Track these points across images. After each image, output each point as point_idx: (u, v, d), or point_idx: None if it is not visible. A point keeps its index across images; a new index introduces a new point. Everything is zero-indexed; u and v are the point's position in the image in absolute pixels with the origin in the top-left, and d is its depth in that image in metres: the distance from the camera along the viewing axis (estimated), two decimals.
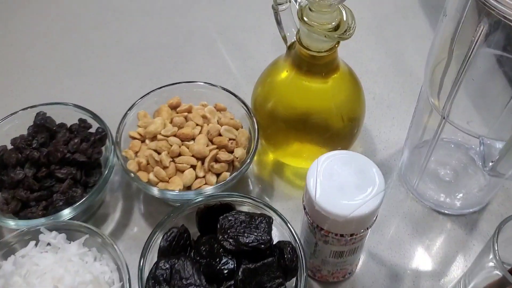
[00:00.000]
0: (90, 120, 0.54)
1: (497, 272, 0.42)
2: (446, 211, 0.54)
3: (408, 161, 0.56)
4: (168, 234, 0.45)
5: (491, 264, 0.43)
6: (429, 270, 0.50)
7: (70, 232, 0.46)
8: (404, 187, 0.56)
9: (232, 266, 0.42)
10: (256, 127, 0.52)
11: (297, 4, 0.45)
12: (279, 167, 0.57)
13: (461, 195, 0.54)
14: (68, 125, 0.54)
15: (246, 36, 0.72)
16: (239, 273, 0.42)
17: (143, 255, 0.43)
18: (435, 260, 0.51)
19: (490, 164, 0.38)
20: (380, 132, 0.61)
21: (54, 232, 0.46)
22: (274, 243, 0.44)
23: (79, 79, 0.67)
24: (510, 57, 0.38)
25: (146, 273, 0.43)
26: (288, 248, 0.43)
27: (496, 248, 0.42)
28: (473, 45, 0.37)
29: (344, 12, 0.44)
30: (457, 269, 0.50)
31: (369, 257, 0.51)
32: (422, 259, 0.51)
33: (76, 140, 0.52)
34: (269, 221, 0.44)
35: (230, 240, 0.42)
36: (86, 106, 0.55)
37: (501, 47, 0.37)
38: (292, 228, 0.44)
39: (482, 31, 0.36)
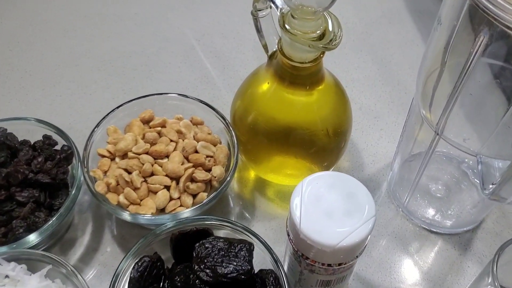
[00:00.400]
0: (55, 137, 0.50)
1: None
2: (438, 230, 0.50)
3: (398, 176, 0.52)
4: (140, 263, 0.41)
5: None
6: None
7: (31, 262, 0.42)
8: (393, 204, 0.53)
9: None
10: (235, 142, 0.48)
11: (279, 10, 0.42)
12: (262, 185, 0.54)
13: (454, 212, 0.51)
14: (32, 142, 0.50)
15: (226, 43, 0.68)
16: None
17: (112, 286, 0.40)
18: (427, 284, 0.47)
19: (491, 186, 0.35)
20: (368, 145, 0.57)
21: (12, 263, 0.41)
22: (255, 271, 0.41)
23: (46, 91, 0.62)
24: (511, 69, 0.35)
25: None
26: (271, 278, 0.40)
27: (495, 274, 0.39)
28: (472, 57, 0.34)
29: (329, 20, 0.41)
30: None
31: (357, 282, 0.47)
32: (413, 283, 0.48)
33: (39, 159, 0.48)
34: (250, 248, 0.40)
35: (207, 271, 0.39)
36: (54, 120, 0.50)
37: (502, 58, 0.34)
38: (275, 255, 0.41)
39: (481, 42, 0.33)
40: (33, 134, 0.50)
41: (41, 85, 0.63)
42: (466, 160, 0.53)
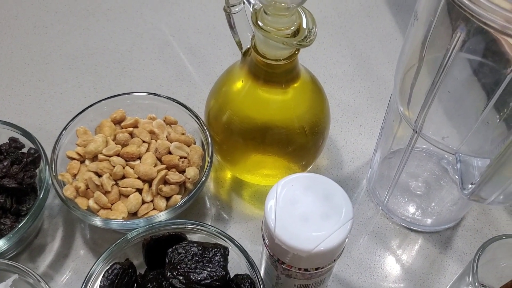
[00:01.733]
0: (22, 139, 0.48)
1: None
2: (418, 228, 0.50)
3: (378, 173, 0.51)
4: (110, 271, 0.39)
5: None
6: None
7: None
8: (373, 202, 0.52)
9: None
10: (210, 142, 0.46)
11: (251, 6, 0.40)
12: (239, 185, 0.52)
13: (434, 209, 0.50)
14: None
15: (201, 38, 0.66)
16: None
17: None
18: (408, 283, 0.47)
19: (470, 186, 0.34)
20: (347, 142, 0.56)
21: None
22: (230, 276, 0.39)
23: (14, 90, 0.60)
24: (489, 64, 0.34)
25: None
26: (247, 284, 0.39)
27: (475, 274, 0.38)
28: (449, 53, 0.33)
29: (303, 16, 0.39)
30: None
31: (337, 283, 0.46)
32: (394, 282, 0.47)
33: (5, 163, 0.46)
34: (225, 253, 0.39)
35: (180, 278, 0.37)
36: (23, 121, 0.48)
37: (480, 54, 0.33)
38: (251, 259, 0.39)
39: (459, 38, 0.32)
40: None
41: (9, 84, 0.60)
42: (445, 156, 0.52)
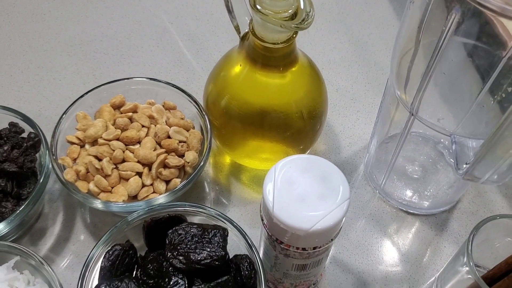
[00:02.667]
0: (22, 124, 0.48)
1: (471, 276, 0.39)
2: (415, 211, 0.50)
3: (375, 158, 0.52)
4: (111, 252, 0.39)
5: (464, 268, 0.41)
6: (399, 275, 0.47)
7: None
8: (370, 186, 0.52)
9: (183, 287, 0.38)
10: (208, 127, 0.47)
11: None
12: (237, 169, 0.53)
13: (430, 193, 0.51)
14: None
15: (199, 25, 0.66)
16: None
17: (82, 277, 0.38)
18: (405, 265, 0.47)
19: (465, 166, 0.35)
20: (344, 128, 0.57)
21: None
22: (230, 257, 0.40)
23: (13, 77, 0.60)
24: (484, 48, 0.35)
25: None
26: (246, 264, 0.39)
27: (470, 254, 0.39)
28: (444, 35, 0.34)
29: None
30: (429, 273, 0.47)
31: (334, 265, 0.47)
32: (391, 264, 0.47)
33: (5, 147, 0.46)
34: (224, 234, 0.39)
35: (180, 258, 0.38)
36: (22, 107, 0.49)
37: (474, 36, 0.33)
38: (250, 240, 0.40)
39: (453, 19, 0.32)
40: None
41: (8, 71, 0.60)
42: (442, 140, 0.53)
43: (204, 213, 0.42)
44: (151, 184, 0.45)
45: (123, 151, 0.45)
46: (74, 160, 0.46)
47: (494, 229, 0.41)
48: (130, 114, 0.48)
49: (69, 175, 0.44)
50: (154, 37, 0.65)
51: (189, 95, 0.49)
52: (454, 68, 0.37)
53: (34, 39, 0.64)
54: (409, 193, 0.51)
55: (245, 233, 0.40)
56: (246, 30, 0.44)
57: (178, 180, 0.45)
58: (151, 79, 0.50)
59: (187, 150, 0.46)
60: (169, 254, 0.38)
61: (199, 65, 0.62)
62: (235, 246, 0.41)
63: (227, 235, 0.40)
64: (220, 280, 0.37)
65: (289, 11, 0.39)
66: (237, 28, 0.45)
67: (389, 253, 0.48)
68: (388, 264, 0.48)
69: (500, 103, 0.37)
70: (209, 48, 0.64)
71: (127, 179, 0.44)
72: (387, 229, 0.50)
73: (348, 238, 0.49)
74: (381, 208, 0.51)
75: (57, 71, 0.61)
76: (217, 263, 0.38)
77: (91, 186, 0.44)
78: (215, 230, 0.39)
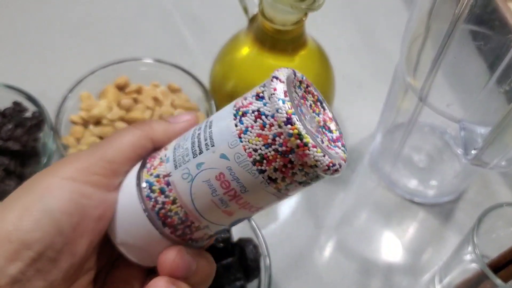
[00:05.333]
0: (26, 103, 0.48)
1: (475, 265, 0.39)
2: (420, 200, 0.50)
3: (381, 146, 0.52)
4: None
5: (469, 257, 0.40)
6: (402, 264, 0.47)
7: None
8: (375, 175, 0.52)
9: None
10: (214, 110, 0.46)
11: None
12: None
13: (436, 182, 0.51)
14: (2, 109, 0.48)
15: (205, 8, 0.66)
16: None
17: None
18: (408, 253, 0.47)
19: (473, 152, 0.35)
20: (351, 115, 0.56)
21: None
22: (234, 240, 0.40)
23: (18, 57, 0.60)
24: (493, 36, 0.35)
25: None
26: (250, 246, 0.39)
27: (475, 241, 0.39)
28: (456, 18, 0.33)
29: None
30: (432, 262, 0.47)
31: (338, 251, 0.47)
32: (394, 252, 0.47)
33: (9, 126, 0.46)
34: None
35: None
36: (26, 87, 0.48)
37: (485, 24, 0.33)
38: (254, 222, 0.40)
39: (466, 3, 0.32)
40: (2, 100, 0.48)
41: (13, 51, 0.60)
42: (448, 130, 0.52)
43: None
44: None
45: None
46: (78, 140, 0.45)
47: (499, 218, 0.41)
48: (135, 95, 0.47)
49: None
50: (159, 20, 0.64)
51: (194, 77, 0.49)
52: (463, 55, 0.37)
53: (39, 20, 0.63)
54: (414, 182, 0.51)
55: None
56: (255, 12, 0.44)
57: None
58: (156, 60, 0.50)
59: None
60: None
61: (204, 49, 0.61)
62: (240, 229, 0.41)
63: None
64: (224, 262, 0.37)
65: None
66: (245, 10, 0.45)
67: (393, 242, 0.48)
68: (392, 252, 0.47)
69: (508, 91, 0.37)
70: (214, 31, 0.63)
71: None
72: (391, 217, 0.49)
73: (351, 225, 0.49)
74: (386, 197, 0.51)
75: (62, 52, 0.60)
76: (221, 244, 0.37)
77: None
78: None
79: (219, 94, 0.47)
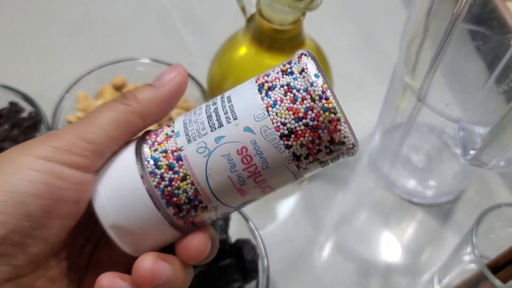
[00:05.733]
0: (22, 103, 0.47)
1: (474, 266, 0.39)
2: (419, 201, 0.50)
3: (379, 146, 0.51)
4: None
5: (467, 257, 0.40)
6: (401, 264, 0.46)
7: None
8: (374, 175, 0.52)
9: None
10: None
11: None
12: None
13: (434, 182, 0.50)
14: None
15: (204, 8, 0.66)
16: (193, 277, 0.37)
17: None
18: (407, 254, 0.47)
19: (472, 152, 0.34)
20: (350, 115, 0.55)
21: None
22: (232, 241, 0.40)
23: (14, 56, 0.59)
24: (492, 35, 0.34)
25: None
26: (248, 247, 0.39)
27: (474, 242, 0.39)
28: (455, 18, 0.33)
29: None
30: (431, 262, 0.47)
31: (336, 252, 0.47)
32: (393, 253, 0.47)
33: (5, 127, 0.45)
34: (226, 218, 0.39)
35: None
36: (22, 87, 0.48)
37: (483, 23, 0.33)
38: (252, 223, 0.39)
39: (464, 2, 0.32)
40: None
41: (9, 51, 0.60)
42: (446, 130, 0.52)
43: None
44: None
45: None
46: None
47: (498, 218, 0.41)
48: None
49: None
50: (156, 20, 0.64)
51: (192, 78, 0.48)
52: (462, 55, 0.37)
53: (36, 20, 0.63)
54: (413, 182, 0.50)
55: (247, 217, 0.40)
56: (253, 12, 0.44)
57: None
58: (154, 60, 0.49)
59: None
60: None
61: (202, 50, 0.61)
62: (237, 230, 0.41)
63: (229, 219, 0.39)
64: (222, 263, 0.37)
65: None
66: (243, 10, 0.44)
67: (392, 242, 0.48)
68: (391, 253, 0.47)
69: (506, 91, 0.37)
70: (213, 32, 0.63)
71: None
72: (390, 218, 0.49)
73: (350, 226, 0.48)
74: (385, 197, 0.50)
75: (59, 52, 0.60)
76: (218, 245, 0.37)
77: None
78: None
79: (217, 94, 0.47)
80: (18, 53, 0.60)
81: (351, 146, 0.22)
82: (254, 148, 0.22)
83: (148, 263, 0.22)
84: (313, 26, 0.64)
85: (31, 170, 0.22)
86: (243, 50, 0.44)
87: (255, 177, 0.22)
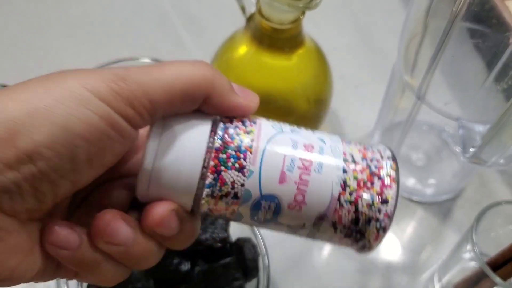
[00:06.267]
0: None
1: (474, 263, 0.39)
2: (419, 199, 0.50)
3: None
4: None
5: (468, 255, 0.40)
6: (401, 262, 0.47)
7: None
8: None
9: (186, 267, 0.38)
10: None
11: None
12: None
13: (434, 181, 0.51)
14: None
15: (203, 8, 0.66)
16: (194, 275, 0.37)
17: None
18: (407, 252, 0.47)
19: (471, 150, 0.34)
20: (349, 115, 0.56)
21: None
22: (233, 240, 0.40)
23: (13, 58, 0.59)
24: (491, 34, 0.34)
25: None
26: (249, 246, 0.39)
27: (474, 240, 0.39)
28: (453, 17, 0.33)
29: None
30: (431, 261, 0.47)
31: (337, 251, 0.47)
32: (393, 251, 0.47)
33: None
34: None
35: None
36: None
37: (483, 22, 0.33)
38: None
39: (463, 0, 0.32)
40: None
41: (8, 53, 0.60)
42: (446, 129, 0.52)
43: None
44: None
45: None
46: None
47: (497, 216, 0.41)
48: None
49: None
50: (156, 20, 0.64)
51: None
52: (461, 54, 0.37)
53: (34, 20, 0.63)
54: (412, 180, 0.51)
55: None
56: (252, 11, 0.44)
57: None
58: (154, 60, 0.50)
59: None
60: None
61: (202, 50, 0.61)
62: (238, 229, 0.41)
63: None
64: (223, 262, 0.37)
65: None
66: (243, 9, 0.45)
67: (392, 241, 0.48)
68: (391, 251, 0.47)
69: (506, 90, 0.37)
70: (212, 31, 0.63)
71: None
72: None
73: None
74: None
75: (57, 53, 0.60)
76: (219, 244, 0.37)
77: None
78: None
79: None
80: (18, 54, 0.60)
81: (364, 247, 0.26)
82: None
83: (108, 218, 0.22)
84: (312, 26, 0.64)
85: (89, 111, 0.20)
86: (243, 49, 0.44)
87: (299, 205, 0.24)
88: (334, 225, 0.24)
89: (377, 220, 0.24)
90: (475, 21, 0.35)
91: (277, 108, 0.45)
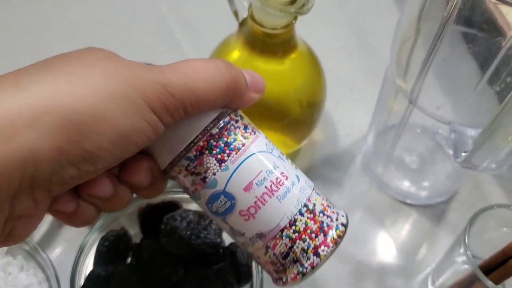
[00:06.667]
0: None
1: (467, 266, 0.39)
2: (412, 202, 0.50)
3: (373, 148, 0.52)
4: (105, 238, 0.39)
5: (461, 258, 0.40)
6: (396, 265, 0.47)
7: None
8: (367, 177, 0.52)
9: (179, 273, 0.38)
10: None
11: None
12: None
13: (428, 183, 0.51)
14: None
15: (198, 12, 0.66)
16: (187, 280, 0.37)
17: (76, 263, 0.38)
18: (401, 255, 0.47)
19: (463, 154, 0.35)
20: (343, 117, 0.56)
21: None
22: (226, 245, 0.40)
23: (10, 61, 0.59)
24: (483, 37, 0.35)
25: (81, 283, 0.38)
26: (242, 251, 0.39)
27: (467, 243, 0.39)
28: (445, 21, 0.33)
29: None
30: (426, 263, 0.47)
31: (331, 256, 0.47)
32: (387, 254, 0.47)
33: None
34: None
35: (176, 244, 0.37)
36: None
37: (474, 25, 0.33)
38: None
39: (454, 5, 0.32)
40: None
41: (4, 56, 0.60)
42: (440, 131, 0.53)
43: None
44: None
45: None
46: None
47: (490, 219, 0.41)
48: None
49: None
50: (152, 24, 0.64)
51: None
52: (454, 57, 0.37)
53: (32, 24, 0.63)
54: (406, 183, 0.51)
55: None
56: (245, 16, 0.44)
57: None
58: (149, 64, 0.49)
59: None
60: (164, 240, 0.38)
61: (197, 53, 0.61)
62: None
63: None
64: (216, 267, 0.37)
65: None
66: (235, 14, 0.45)
67: (386, 244, 0.48)
68: (385, 254, 0.47)
69: (498, 93, 0.37)
70: (207, 35, 0.63)
71: None
72: (384, 220, 0.49)
73: None
74: (378, 199, 0.51)
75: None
76: (212, 249, 0.37)
77: None
78: None
79: None
80: (16, 57, 0.60)
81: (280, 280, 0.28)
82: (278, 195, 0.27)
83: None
84: (306, 29, 0.64)
85: (145, 122, 0.24)
86: (236, 54, 0.44)
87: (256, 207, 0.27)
88: (267, 248, 0.27)
89: (302, 265, 0.27)
90: (467, 25, 0.35)
91: (270, 112, 0.45)
